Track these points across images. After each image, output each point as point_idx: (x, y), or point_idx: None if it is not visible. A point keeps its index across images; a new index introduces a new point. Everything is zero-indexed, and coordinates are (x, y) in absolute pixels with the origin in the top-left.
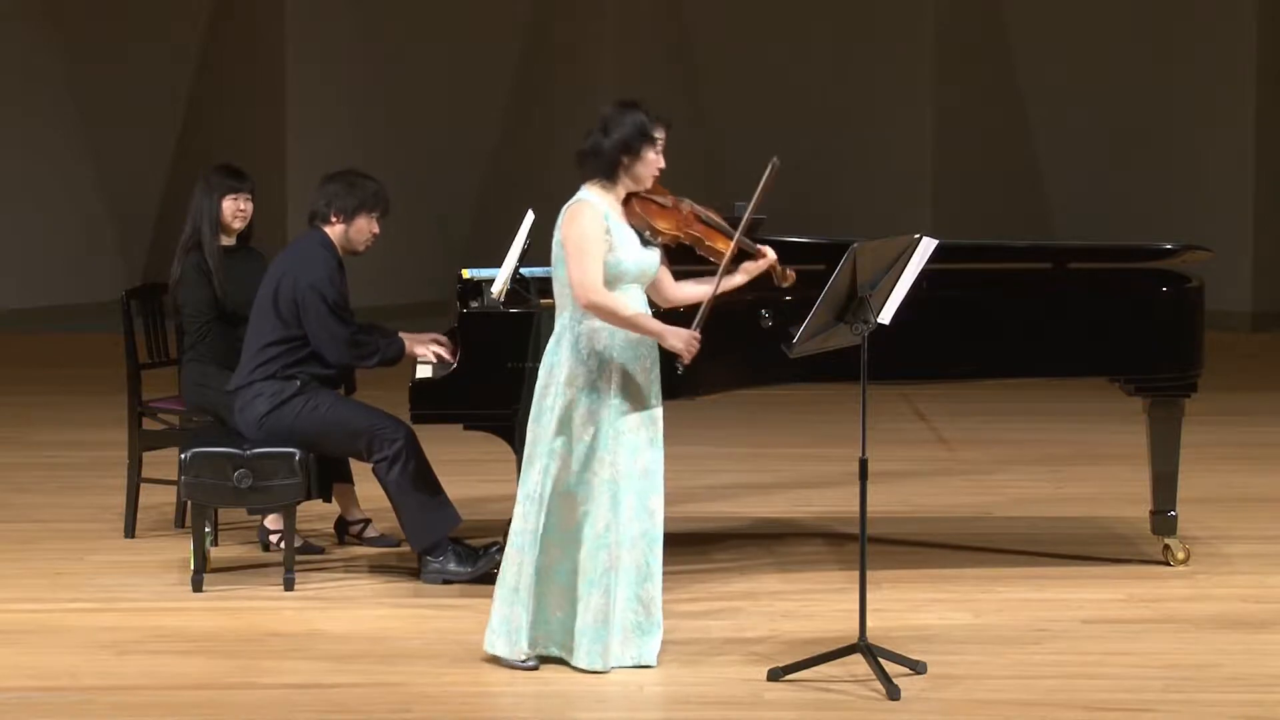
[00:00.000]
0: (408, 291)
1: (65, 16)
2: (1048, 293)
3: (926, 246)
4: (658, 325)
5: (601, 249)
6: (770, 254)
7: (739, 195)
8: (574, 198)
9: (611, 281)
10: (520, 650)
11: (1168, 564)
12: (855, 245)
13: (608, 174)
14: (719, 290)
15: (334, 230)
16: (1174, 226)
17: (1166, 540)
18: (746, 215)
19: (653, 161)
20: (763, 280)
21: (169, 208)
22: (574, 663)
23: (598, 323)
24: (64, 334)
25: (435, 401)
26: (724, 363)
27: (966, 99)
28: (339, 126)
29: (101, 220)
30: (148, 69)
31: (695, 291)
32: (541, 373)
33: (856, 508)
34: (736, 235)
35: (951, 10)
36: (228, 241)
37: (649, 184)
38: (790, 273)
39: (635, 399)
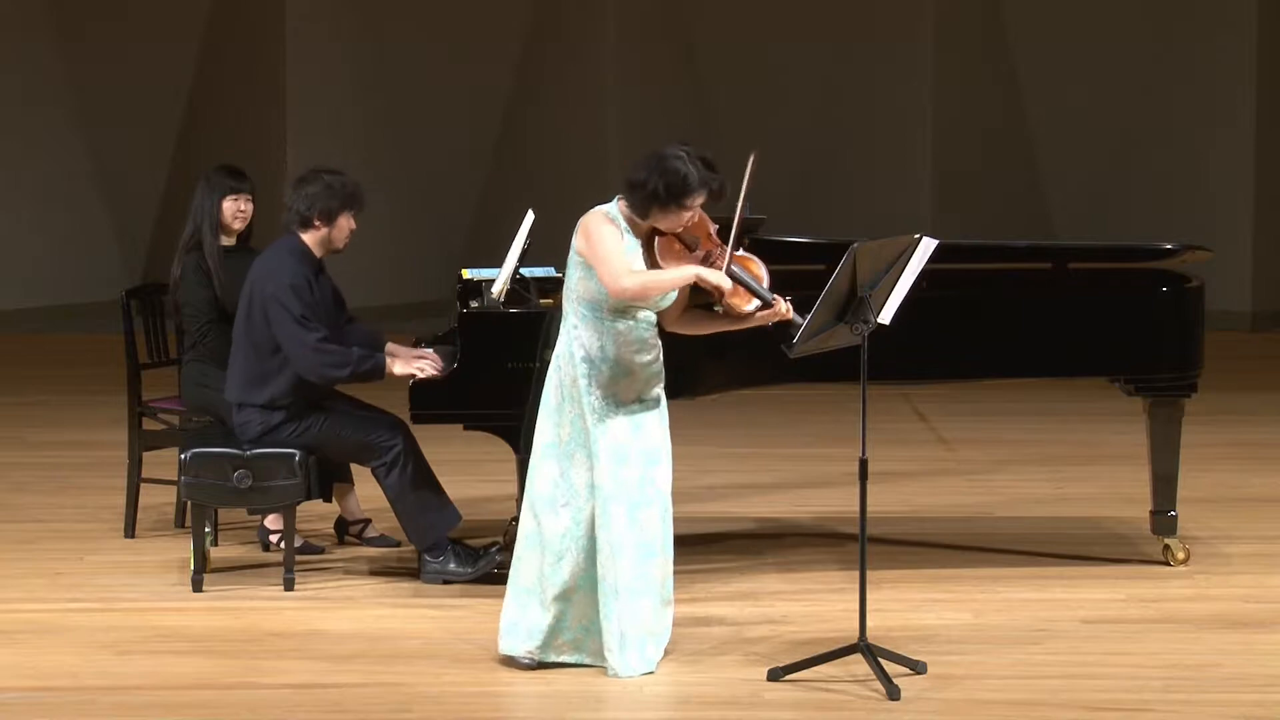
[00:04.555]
0: (408, 291)
1: (65, 16)
2: (1048, 293)
3: (926, 246)
4: (689, 267)
5: (621, 244)
6: (782, 305)
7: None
8: (596, 208)
9: (615, 302)
10: (533, 651)
11: (1168, 564)
12: (855, 245)
13: (636, 211)
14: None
15: (315, 234)
16: (1174, 226)
17: (1166, 540)
18: (739, 207)
19: (683, 218)
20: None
21: (169, 208)
22: (609, 671)
23: (592, 331)
24: (64, 334)
25: (435, 401)
26: (724, 363)
27: (966, 99)
28: (339, 126)
29: (101, 220)
30: (148, 69)
31: (699, 324)
32: (548, 378)
33: (856, 508)
34: (729, 248)
35: (951, 10)
36: (228, 242)
37: (677, 230)
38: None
39: (626, 409)
